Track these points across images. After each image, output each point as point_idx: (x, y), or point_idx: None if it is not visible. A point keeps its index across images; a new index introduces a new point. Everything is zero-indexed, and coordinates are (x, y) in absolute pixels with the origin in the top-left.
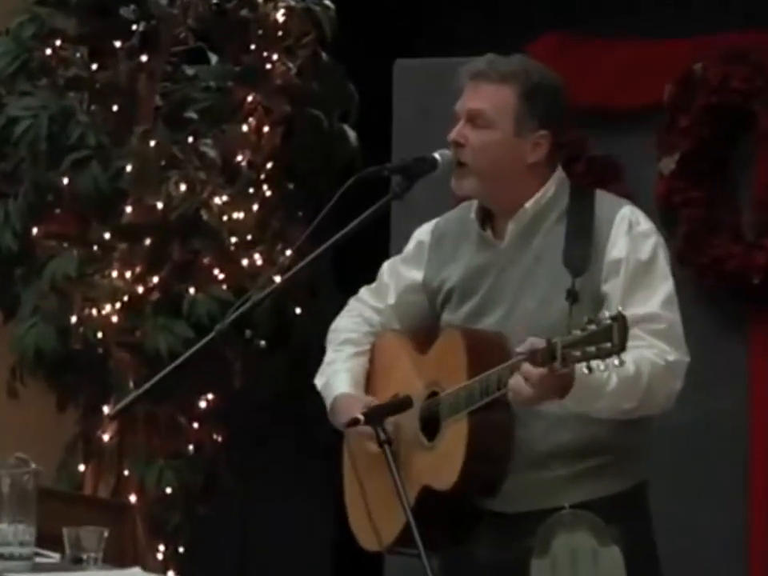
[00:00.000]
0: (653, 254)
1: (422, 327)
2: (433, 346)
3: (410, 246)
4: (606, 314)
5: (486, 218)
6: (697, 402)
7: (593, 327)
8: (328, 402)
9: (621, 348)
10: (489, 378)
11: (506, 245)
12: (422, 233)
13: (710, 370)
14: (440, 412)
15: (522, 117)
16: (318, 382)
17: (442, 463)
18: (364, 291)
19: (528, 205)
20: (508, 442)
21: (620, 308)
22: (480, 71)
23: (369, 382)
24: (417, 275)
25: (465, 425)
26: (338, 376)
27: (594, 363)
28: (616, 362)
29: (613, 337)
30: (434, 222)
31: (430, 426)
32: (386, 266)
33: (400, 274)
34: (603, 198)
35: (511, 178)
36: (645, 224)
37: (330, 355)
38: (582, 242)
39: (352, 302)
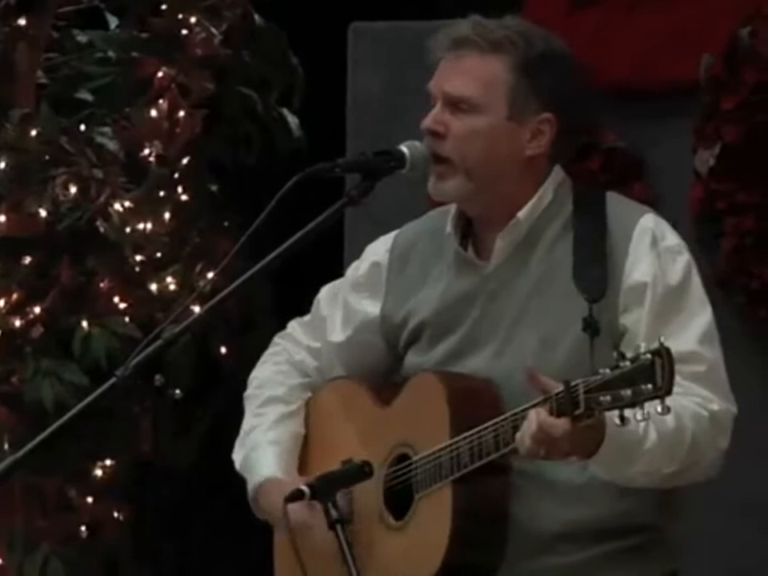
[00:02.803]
0: (684, 276)
1: (375, 373)
2: (399, 395)
3: (362, 268)
4: (643, 346)
5: (467, 231)
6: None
7: (626, 364)
8: (250, 488)
9: (667, 391)
10: (482, 436)
11: (493, 266)
12: (377, 251)
13: (761, 424)
14: (412, 481)
15: (519, 96)
16: (236, 458)
17: (416, 549)
18: (294, 326)
19: (521, 215)
20: (504, 521)
21: (662, 339)
22: (462, 38)
23: (307, 452)
24: (372, 308)
25: (447, 498)
26: (261, 451)
27: (628, 412)
28: (659, 408)
29: (655, 376)
30: (391, 235)
31: (398, 499)
32: (324, 292)
33: (349, 305)
34: (616, 204)
35: (506, 176)
36: (672, 238)
37: (249, 420)
38: (595, 259)
39: (277, 341)
